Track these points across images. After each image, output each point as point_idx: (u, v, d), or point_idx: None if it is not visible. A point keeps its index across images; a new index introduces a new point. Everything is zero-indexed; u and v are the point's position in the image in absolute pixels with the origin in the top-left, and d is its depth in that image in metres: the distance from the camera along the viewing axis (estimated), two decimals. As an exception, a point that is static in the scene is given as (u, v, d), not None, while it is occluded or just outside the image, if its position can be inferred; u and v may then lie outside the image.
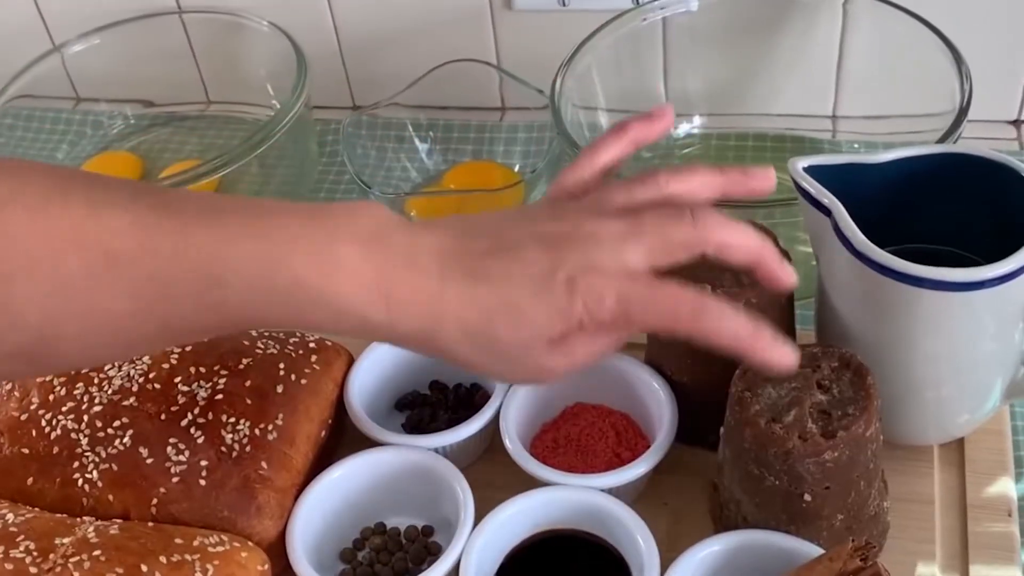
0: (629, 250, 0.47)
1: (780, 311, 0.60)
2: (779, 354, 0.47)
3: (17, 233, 0.44)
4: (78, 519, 0.58)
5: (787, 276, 0.49)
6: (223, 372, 0.63)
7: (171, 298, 0.45)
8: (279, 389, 0.63)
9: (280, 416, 0.62)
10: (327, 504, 0.62)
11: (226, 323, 0.47)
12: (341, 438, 0.67)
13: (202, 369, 0.63)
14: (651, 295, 0.47)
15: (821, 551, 0.52)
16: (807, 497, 0.53)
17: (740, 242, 0.48)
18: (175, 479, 0.60)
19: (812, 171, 0.57)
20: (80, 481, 0.60)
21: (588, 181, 0.52)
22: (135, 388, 0.63)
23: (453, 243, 0.48)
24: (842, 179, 0.56)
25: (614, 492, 0.59)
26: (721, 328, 0.46)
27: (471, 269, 0.47)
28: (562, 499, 0.59)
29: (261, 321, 0.49)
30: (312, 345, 0.66)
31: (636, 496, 0.63)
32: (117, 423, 0.61)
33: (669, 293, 0.47)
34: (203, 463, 0.60)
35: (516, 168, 0.88)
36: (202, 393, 0.62)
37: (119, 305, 0.45)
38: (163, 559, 0.55)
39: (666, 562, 0.55)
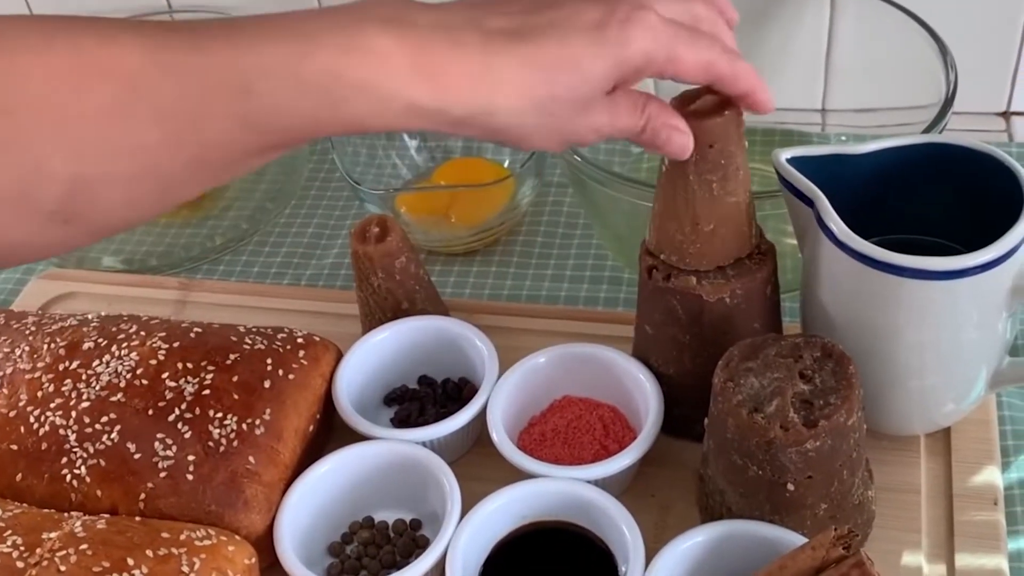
0: (671, 9, 0.49)
1: (765, 302, 0.60)
2: (768, 98, 0.52)
3: (29, 73, 0.41)
4: (66, 514, 0.59)
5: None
6: (210, 367, 0.63)
7: (201, 118, 0.43)
8: (266, 384, 0.63)
9: (267, 411, 0.62)
10: (315, 498, 0.62)
11: (263, 137, 0.45)
12: (329, 433, 0.67)
13: (189, 364, 0.63)
14: (696, 37, 0.49)
15: (804, 540, 0.52)
16: (790, 487, 0.54)
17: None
18: (162, 474, 0.60)
19: (795, 162, 0.57)
20: (68, 476, 0.61)
21: None
22: (123, 384, 0.63)
23: (486, 10, 0.47)
24: (826, 170, 0.57)
25: (601, 484, 0.60)
26: (745, 76, 0.50)
27: (516, 30, 0.46)
28: (548, 491, 0.59)
29: (300, 125, 0.45)
30: (300, 340, 0.67)
31: (623, 488, 0.63)
32: (105, 419, 0.62)
33: (709, 38, 0.50)
34: (190, 458, 0.60)
35: (505, 164, 0.88)
36: (189, 388, 0.62)
37: (149, 136, 0.43)
38: (150, 553, 0.55)
39: (653, 553, 0.55)
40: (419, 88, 0.44)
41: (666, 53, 0.48)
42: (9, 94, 0.41)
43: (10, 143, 0.41)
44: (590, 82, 0.47)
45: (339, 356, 0.68)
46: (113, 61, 0.42)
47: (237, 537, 0.59)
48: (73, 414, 0.62)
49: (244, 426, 0.61)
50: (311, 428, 0.65)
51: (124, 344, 0.65)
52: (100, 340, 0.66)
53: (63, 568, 0.54)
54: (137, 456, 0.60)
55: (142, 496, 0.60)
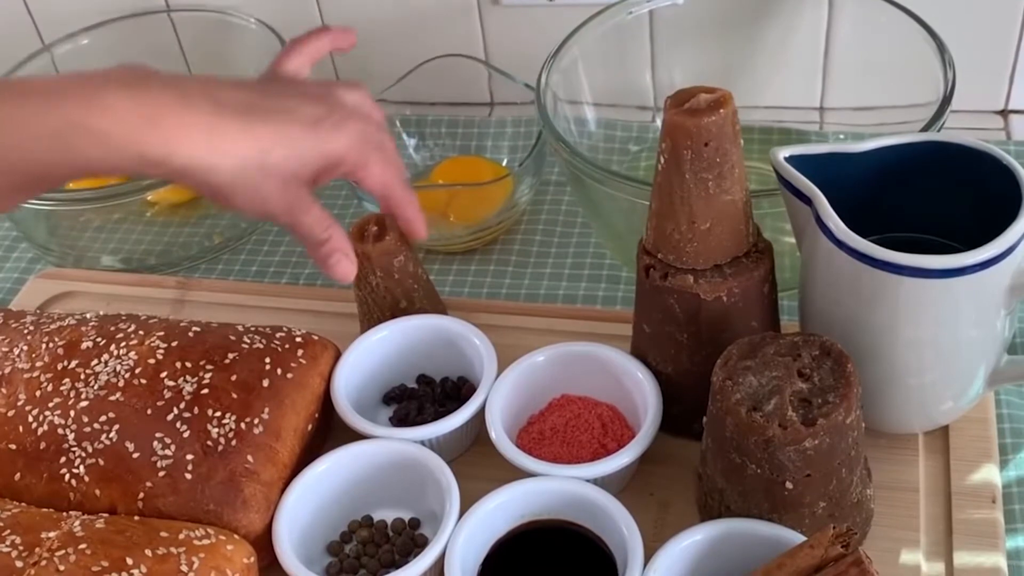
0: (366, 127, 0.58)
1: (763, 301, 0.60)
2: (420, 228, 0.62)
3: None
4: (64, 513, 0.59)
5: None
6: (208, 367, 0.63)
7: None
8: (265, 383, 0.63)
9: (266, 410, 0.62)
10: (314, 497, 0.62)
11: (12, 175, 0.51)
12: (328, 432, 0.67)
13: (188, 364, 0.63)
14: (387, 159, 0.59)
15: (803, 538, 0.52)
16: (788, 485, 0.54)
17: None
18: (161, 473, 0.60)
19: (794, 161, 0.57)
20: (67, 476, 0.61)
21: (301, 66, 0.64)
22: (121, 383, 0.63)
23: (225, 89, 0.54)
24: (824, 169, 0.57)
25: (600, 482, 0.60)
26: (410, 204, 0.61)
27: (245, 106, 0.54)
28: (547, 490, 0.60)
29: (39, 169, 0.51)
30: (298, 339, 0.67)
31: (622, 486, 0.63)
32: (103, 418, 0.62)
33: (396, 164, 0.60)
34: (189, 457, 0.60)
35: (504, 162, 0.88)
36: (188, 388, 0.62)
37: None
38: (148, 552, 0.55)
39: (651, 552, 0.55)
40: (148, 139, 0.51)
41: (361, 160, 0.57)
42: None
43: None
44: (297, 160, 0.55)
45: (337, 355, 0.68)
46: None
47: (236, 536, 0.59)
48: (72, 413, 0.62)
49: (243, 425, 0.61)
50: (310, 427, 0.65)
51: (122, 343, 0.65)
52: (98, 339, 0.66)
53: (62, 567, 0.54)
54: (136, 455, 0.60)
55: (141, 495, 0.60)
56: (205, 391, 0.62)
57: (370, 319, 0.70)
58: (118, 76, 0.52)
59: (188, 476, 0.60)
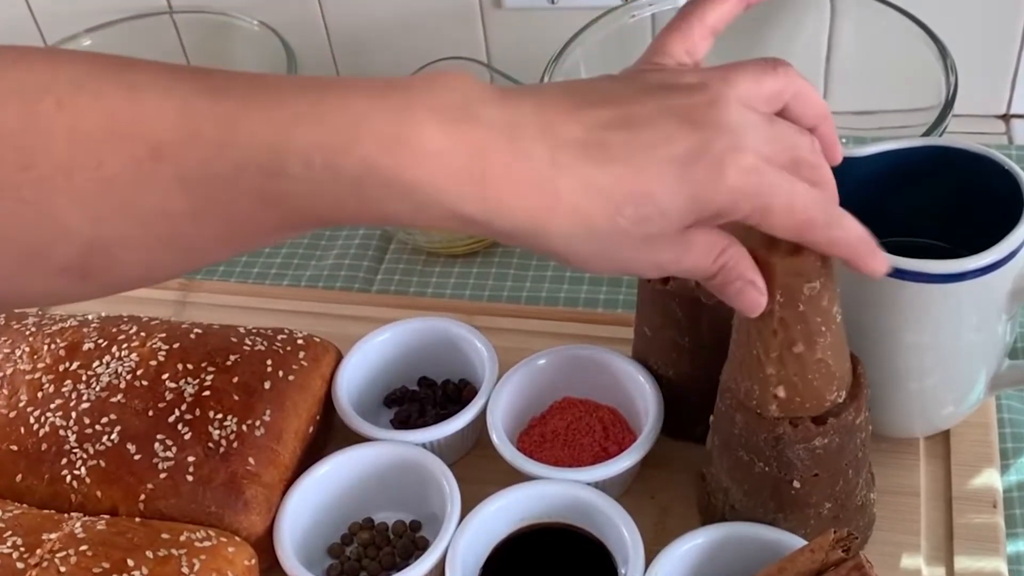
0: (773, 148, 0.43)
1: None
2: (879, 263, 0.46)
3: (51, 129, 0.39)
4: (66, 515, 0.59)
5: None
6: (210, 369, 0.63)
7: (228, 193, 0.40)
8: (266, 385, 0.63)
9: (267, 412, 0.62)
10: (315, 499, 0.62)
11: (294, 219, 0.41)
12: (329, 434, 0.67)
13: (189, 366, 0.64)
14: (795, 190, 0.43)
15: (804, 542, 0.52)
16: (796, 484, 0.54)
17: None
18: (163, 475, 0.60)
19: (795, 164, 0.57)
20: (68, 478, 0.61)
21: (696, 43, 0.47)
22: (123, 385, 0.63)
23: (564, 115, 0.41)
24: (825, 172, 0.57)
25: (601, 486, 0.60)
26: (845, 238, 0.45)
27: (590, 147, 0.41)
28: (548, 493, 0.60)
29: (334, 216, 0.41)
30: (300, 341, 0.67)
31: (623, 490, 0.63)
32: (105, 420, 0.62)
33: (813, 195, 0.44)
34: (190, 459, 0.60)
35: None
36: (189, 389, 0.62)
37: (173, 204, 0.40)
38: (150, 554, 0.55)
39: (652, 555, 0.55)
40: (465, 197, 0.40)
41: (758, 204, 0.42)
42: (29, 151, 0.39)
43: (28, 200, 0.39)
44: (663, 220, 0.41)
45: (339, 357, 0.68)
46: (139, 124, 0.39)
47: (237, 538, 0.59)
48: (73, 415, 0.62)
49: (244, 427, 0.61)
50: (311, 429, 0.65)
51: (124, 345, 0.65)
52: (100, 341, 0.66)
53: (63, 569, 0.54)
54: (137, 457, 0.60)
55: (142, 497, 0.60)
56: (206, 393, 0.62)
57: (740, 349, 0.52)
58: (438, 106, 0.40)
59: (189, 478, 0.60)
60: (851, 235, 0.45)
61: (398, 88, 0.40)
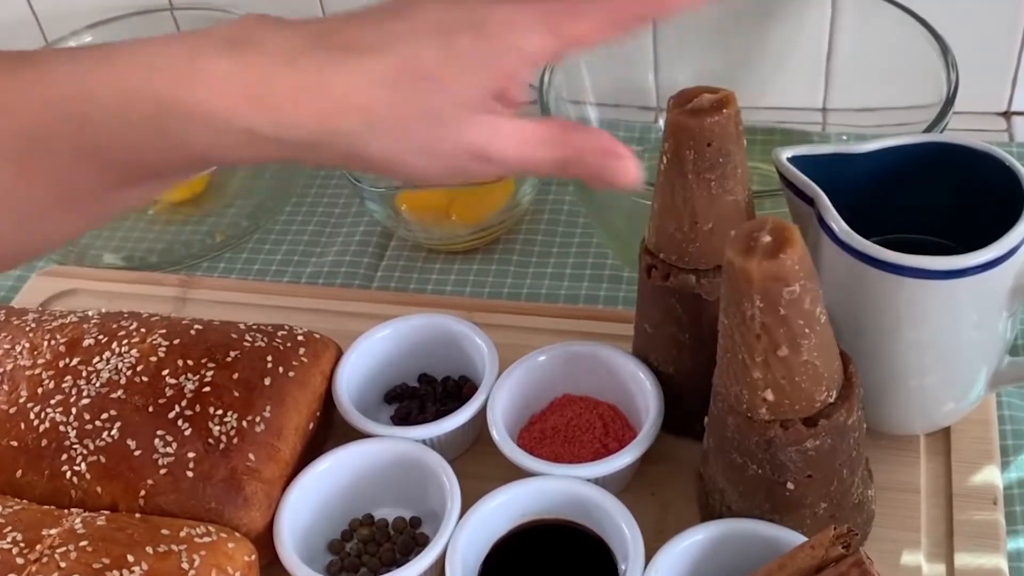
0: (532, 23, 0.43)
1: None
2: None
3: None
4: (66, 511, 0.59)
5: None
6: (210, 365, 0.63)
7: (48, 151, 0.42)
8: (267, 381, 0.63)
9: (267, 408, 0.62)
10: (315, 496, 0.62)
11: (117, 170, 0.43)
12: (329, 430, 0.67)
13: (189, 362, 0.63)
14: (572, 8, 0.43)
15: (804, 539, 0.52)
16: (790, 486, 0.54)
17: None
18: (163, 471, 0.60)
19: (796, 161, 0.57)
20: (68, 473, 0.61)
21: None
22: (123, 381, 0.63)
23: (339, 28, 0.43)
24: (827, 169, 0.57)
25: (601, 482, 0.60)
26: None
27: (362, 47, 0.42)
28: (548, 489, 0.60)
29: (147, 156, 0.43)
30: (300, 338, 0.67)
31: (623, 486, 0.63)
32: (105, 415, 0.62)
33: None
34: (190, 455, 0.60)
35: (506, 162, 0.88)
36: (189, 385, 0.62)
37: (2, 171, 0.42)
38: (150, 550, 0.55)
39: (652, 552, 0.55)
40: (255, 116, 0.41)
41: (521, 49, 0.43)
42: None
43: None
44: (438, 88, 0.42)
45: (339, 354, 0.68)
46: None
47: (237, 534, 0.59)
48: (73, 411, 0.62)
49: (244, 423, 0.61)
50: (311, 425, 0.65)
51: (124, 341, 0.65)
52: (100, 337, 0.66)
53: (63, 564, 0.54)
54: (137, 453, 0.60)
55: (142, 493, 0.60)
56: (207, 389, 0.62)
57: (727, 354, 0.52)
58: (220, 35, 0.42)
59: (189, 474, 0.60)
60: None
61: (189, 33, 0.43)
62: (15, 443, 0.62)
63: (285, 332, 0.67)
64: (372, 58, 0.42)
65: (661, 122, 0.83)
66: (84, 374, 0.64)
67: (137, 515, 0.59)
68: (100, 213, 0.47)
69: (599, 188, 0.46)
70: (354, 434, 0.64)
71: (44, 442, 0.62)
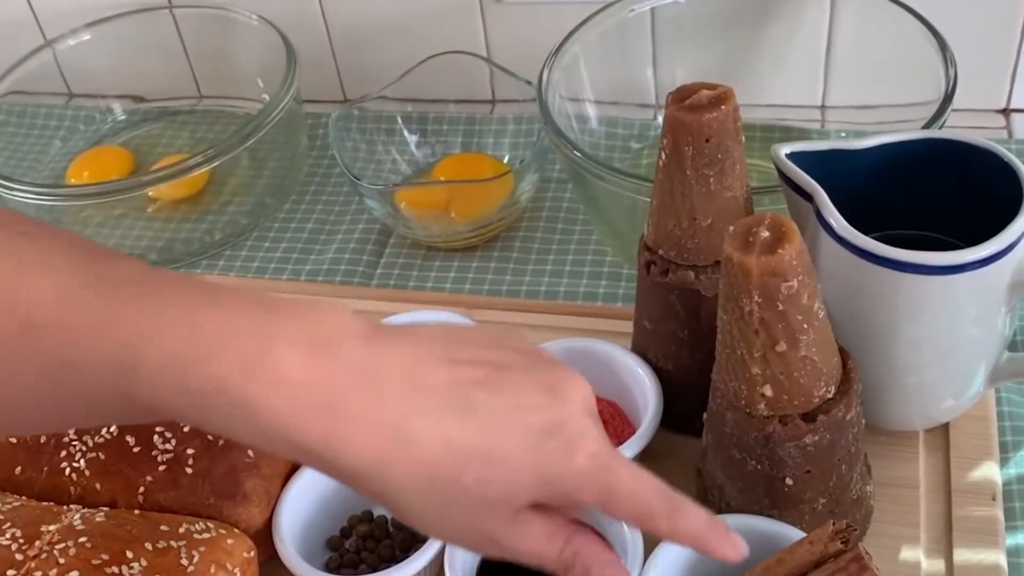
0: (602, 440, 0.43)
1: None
2: (731, 548, 0.44)
3: None
4: (65, 507, 0.59)
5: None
6: (210, 361, 0.63)
7: (81, 383, 0.39)
8: (266, 378, 0.63)
9: (267, 405, 0.62)
10: (314, 492, 0.62)
11: (142, 414, 0.40)
12: (329, 427, 0.67)
13: (189, 358, 0.63)
14: (638, 479, 0.43)
15: (803, 534, 0.52)
16: (788, 481, 0.54)
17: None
18: (162, 467, 0.60)
19: (795, 157, 0.57)
20: (67, 470, 0.61)
21: None
22: (122, 377, 0.63)
23: (432, 364, 0.40)
24: (825, 165, 0.57)
25: (599, 479, 0.60)
26: (689, 527, 0.44)
27: (451, 399, 0.40)
28: (547, 486, 0.59)
29: (184, 417, 0.40)
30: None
31: (622, 483, 0.63)
32: (104, 412, 0.62)
33: (656, 484, 0.43)
34: (189, 451, 0.60)
35: (505, 159, 0.88)
36: (189, 382, 0.62)
37: (27, 379, 0.39)
38: (149, 546, 0.55)
39: (651, 548, 0.55)
40: (310, 432, 0.38)
41: (603, 488, 0.42)
42: None
43: None
44: (505, 485, 0.40)
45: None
46: (16, 301, 0.38)
47: (236, 530, 0.59)
48: (72, 407, 0.62)
49: (243, 420, 0.61)
50: (310, 422, 0.64)
51: (124, 338, 0.65)
52: (100, 334, 0.66)
53: (62, 561, 0.54)
54: (136, 449, 0.60)
55: (141, 489, 0.60)
56: (206, 386, 0.62)
57: (726, 350, 0.53)
58: (302, 337, 0.38)
59: (188, 470, 0.60)
60: (696, 523, 0.43)
61: (269, 308, 0.39)
62: (14, 440, 0.62)
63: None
64: (460, 422, 0.40)
65: (660, 119, 0.83)
66: (83, 371, 0.64)
67: (136, 511, 0.59)
68: (100, 424, 0.47)
69: None
70: (353, 431, 0.64)
71: (43, 439, 0.62)
